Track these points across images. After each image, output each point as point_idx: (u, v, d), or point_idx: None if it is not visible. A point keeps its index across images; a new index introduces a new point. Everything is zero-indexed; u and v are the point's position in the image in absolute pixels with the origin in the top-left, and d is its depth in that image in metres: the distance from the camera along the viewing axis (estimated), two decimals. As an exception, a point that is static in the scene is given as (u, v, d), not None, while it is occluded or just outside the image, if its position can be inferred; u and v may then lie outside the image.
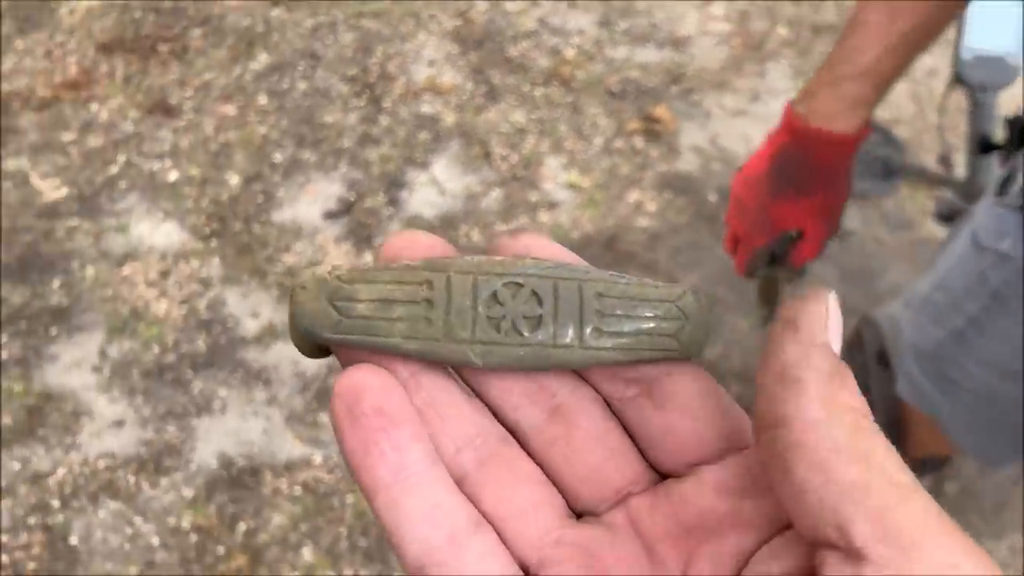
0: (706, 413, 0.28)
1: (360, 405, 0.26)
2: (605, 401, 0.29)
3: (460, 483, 0.28)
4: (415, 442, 0.26)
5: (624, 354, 0.28)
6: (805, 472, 0.23)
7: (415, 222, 1.53)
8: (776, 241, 0.86)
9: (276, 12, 1.88)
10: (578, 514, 0.29)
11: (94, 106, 1.69)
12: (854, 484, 0.22)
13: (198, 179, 1.59)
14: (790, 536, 0.25)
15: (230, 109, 1.71)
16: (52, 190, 1.56)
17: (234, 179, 1.60)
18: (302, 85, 1.75)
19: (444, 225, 1.54)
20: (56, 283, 1.44)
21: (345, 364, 0.28)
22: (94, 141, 1.64)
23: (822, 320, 0.25)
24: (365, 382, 0.26)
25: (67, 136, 1.64)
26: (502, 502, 0.28)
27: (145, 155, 1.62)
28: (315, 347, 0.28)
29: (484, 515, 0.28)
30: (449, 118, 1.72)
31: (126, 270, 1.46)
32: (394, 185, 1.60)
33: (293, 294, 0.27)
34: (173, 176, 1.60)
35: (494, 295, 0.27)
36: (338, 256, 1.48)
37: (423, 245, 0.29)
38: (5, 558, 1.18)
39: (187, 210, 1.54)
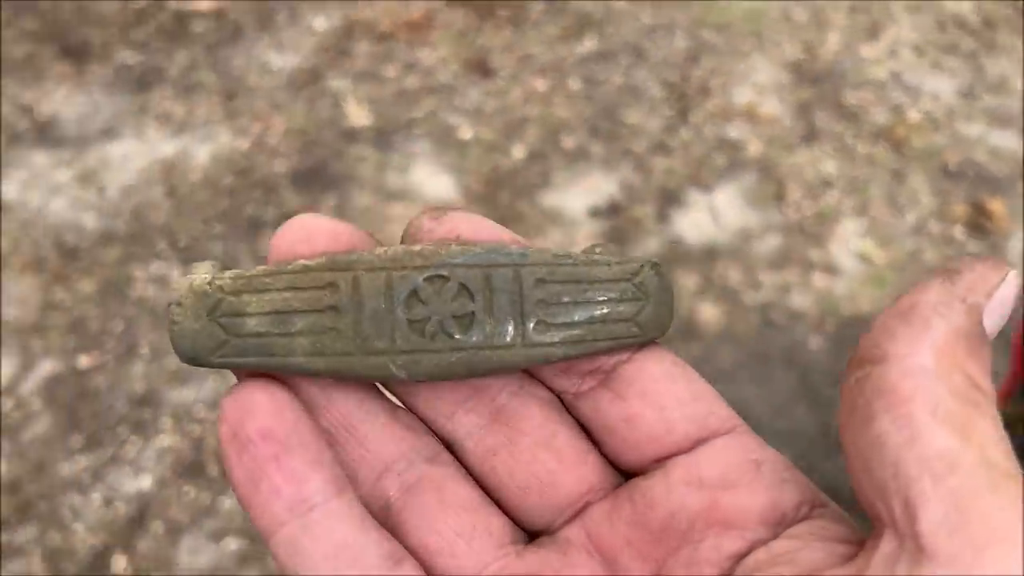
0: (673, 398, 0.24)
1: (245, 429, 0.21)
2: (558, 397, 0.25)
3: (383, 515, 0.24)
4: (314, 471, 0.22)
5: (575, 348, 0.23)
6: (889, 424, 0.18)
7: (674, 244, 1.45)
8: None
9: (620, 3, 1.85)
10: (530, 533, 0.24)
11: (424, 51, 1.76)
12: (941, 454, 0.17)
13: (488, 143, 1.61)
14: (800, 534, 0.21)
15: (541, 85, 1.71)
16: (359, 116, 1.65)
17: (520, 152, 1.60)
18: (618, 79, 1.72)
19: (704, 257, 1.44)
20: (331, 201, 1.51)
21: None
22: (411, 83, 1.71)
23: (989, 285, 0.20)
24: (252, 401, 0.21)
25: (389, 72, 1.73)
26: (430, 533, 0.23)
27: (450, 108, 1.67)
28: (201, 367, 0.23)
29: (410, 550, 0.23)
30: (753, 149, 1.60)
31: (393, 208, 1.51)
32: (669, 201, 1.52)
33: (168, 312, 0.22)
34: (467, 134, 1.63)
35: (414, 293, 0.22)
36: (586, 255, 1.44)
37: (324, 234, 0.24)
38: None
39: (467, 170, 1.57)
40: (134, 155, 1.58)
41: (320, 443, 0.22)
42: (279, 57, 1.75)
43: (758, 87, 1.70)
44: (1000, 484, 0.17)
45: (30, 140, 1.60)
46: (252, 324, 0.22)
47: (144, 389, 1.28)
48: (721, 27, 1.81)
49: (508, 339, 0.23)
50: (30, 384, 1.28)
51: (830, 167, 1.57)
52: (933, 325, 0.19)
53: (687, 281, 1.41)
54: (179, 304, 0.22)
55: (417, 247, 0.23)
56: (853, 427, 0.20)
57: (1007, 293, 0.20)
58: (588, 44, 1.78)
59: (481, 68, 1.73)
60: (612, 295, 0.24)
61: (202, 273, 0.22)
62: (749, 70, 1.74)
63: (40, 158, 1.57)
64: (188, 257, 1.43)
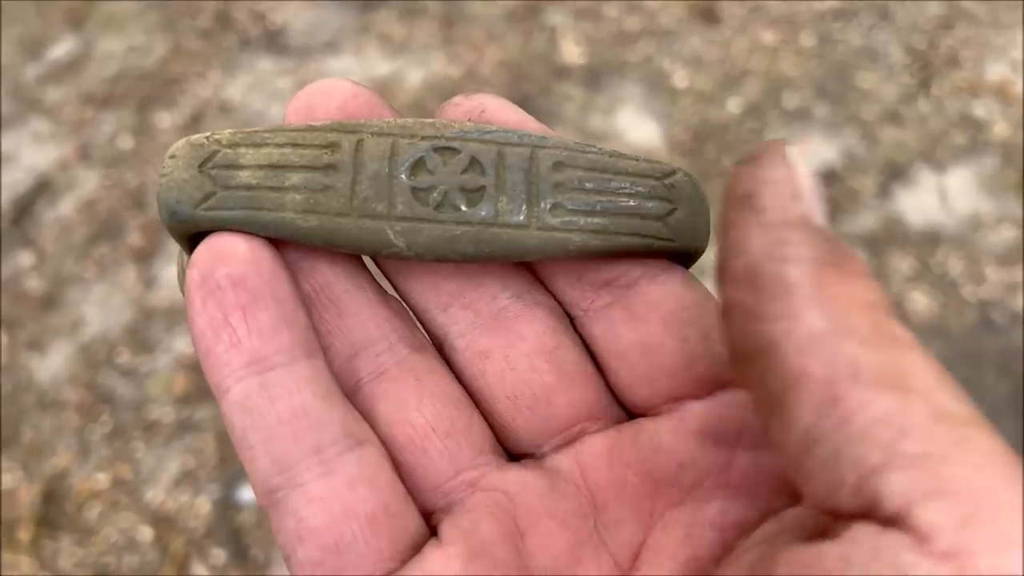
0: (700, 330, 0.20)
1: (215, 273, 0.19)
2: (565, 312, 0.22)
3: (349, 395, 0.21)
4: (283, 328, 0.19)
5: (596, 238, 0.20)
6: (810, 415, 0.14)
7: (894, 220, 1.32)
8: None
9: (871, -42, 1.70)
10: (511, 454, 0.21)
11: (649, -7, 1.70)
12: (884, 420, 0.13)
13: (701, 94, 1.53)
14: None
15: (770, 37, 1.60)
16: (572, 54, 1.61)
17: (735, 107, 1.51)
18: (856, 40, 1.58)
19: (924, 241, 1.31)
20: (531, 136, 1.49)
21: None
22: (631, 23, 1.65)
23: (789, 184, 0.16)
24: (229, 246, 0.19)
25: (610, 11, 1.67)
26: (401, 423, 0.20)
27: (668, 53, 1.60)
28: (186, 232, 0.20)
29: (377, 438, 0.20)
30: (1001, 131, 1.43)
31: (593, 150, 1.47)
32: (895, 176, 1.39)
33: (162, 166, 0.20)
34: (682, 83, 1.55)
35: (421, 161, 0.20)
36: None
37: (343, 96, 0.22)
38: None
39: (675, 119, 1.50)
40: (351, 71, 1.62)
41: (296, 303, 0.20)
42: (503, -13, 1.73)
43: (1016, 64, 1.52)
44: (964, 436, 0.13)
45: (260, 46, 1.67)
46: (244, 176, 0.20)
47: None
48: (984, -7, 1.63)
49: (521, 218, 0.20)
50: (227, 275, 1.35)
51: (1090, 160, 1.38)
52: (789, 278, 0.15)
53: (901, 264, 1.29)
54: (173, 156, 0.20)
55: (429, 120, 0.21)
56: (774, 429, 0.15)
57: (804, 172, 0.17)
58: (829, 0, 1.65)
59: (708, 15, 1.65)
60: (640, 189, 0.20)
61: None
62: (1008, 44, 1.55)
63: (266, 64, 1.64)
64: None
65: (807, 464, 0.14)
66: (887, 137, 1.44)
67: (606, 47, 1.62)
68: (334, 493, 0.19)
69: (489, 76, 1.59)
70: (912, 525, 0.12)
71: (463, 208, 0.20)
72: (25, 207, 1.45)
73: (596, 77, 1.57)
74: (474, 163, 0.21)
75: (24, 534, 1.14)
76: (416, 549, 0.19)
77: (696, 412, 0.20)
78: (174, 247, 1.39)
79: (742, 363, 0.15)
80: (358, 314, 0.21)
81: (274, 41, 1.68)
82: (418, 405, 0.20)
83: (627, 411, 0.21)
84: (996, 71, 1.52)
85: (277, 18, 1.72)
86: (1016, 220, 1.33)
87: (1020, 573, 0.12)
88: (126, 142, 1.53)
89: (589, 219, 0.20)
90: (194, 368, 1.25)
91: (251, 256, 0.19)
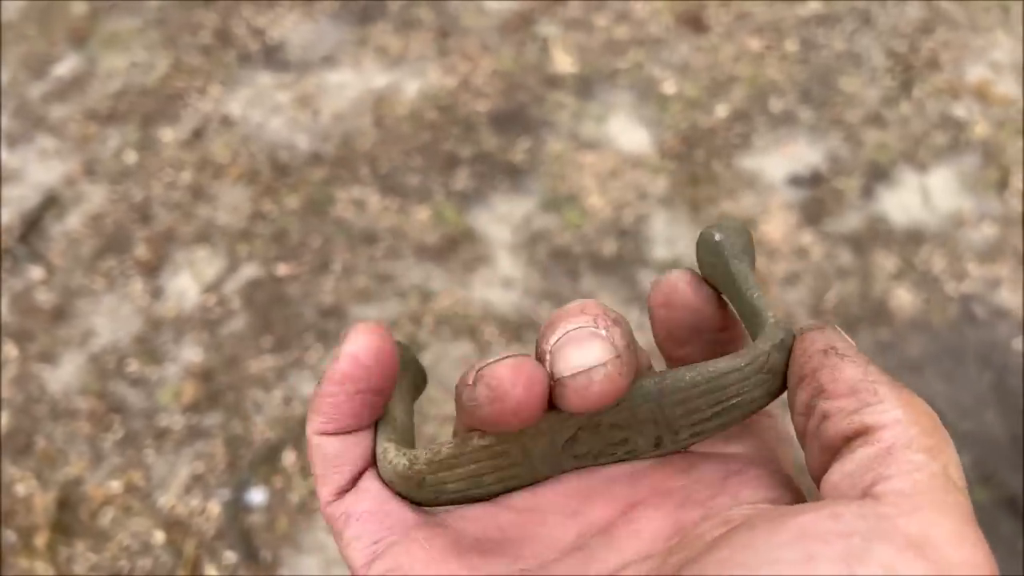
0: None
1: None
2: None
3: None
4: None
5: (715, 429, 0.26)
6: (864, 452, 0.21)
7: (878, 220, 1.36)
8: None
9: (853, -36, 1.74)
10: None
11: (637, 2, 1.74)
12: (910, 460, 0.20)
13: (690, 100, 1.57)
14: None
15: (755, 44, 1.64)
16: (564, 63, 1.65)
17: (722, 112, 1.55)
18: (839, 45, 1.62)
19: (907, 239, 1.35)
20: (525, 144, 1.53)
21: None
22: (620, 33, 1.69)
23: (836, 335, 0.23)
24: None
25: (600, 20, 1.71)
26: None
27: (658, 61, 1.64)
28: None
29: None
30: (980, 130, 1.47)
31: (584, 157, 1.51)
32: (878, 176, 1.43)
33: (383, 474, 0.27)
34: (671, 89, 1.59)
35: (573, 437, 0.25)
36: (777, 225, 1.38)
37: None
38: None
39: (665, 125, 1.54)
40: (349, 84, 1.66)
41: None
42: (495, -1, 1.77)
43: (995, 65, 1.56)
44: (951, 492, 0.19)
45: (259, 61, 1.71)
46: (453, 486, 0.26)
47: (332, 302, 1.36)
48: (963, -3, 1.67)
49: (655, 449, 0.26)
50: (233, 284, 1.39)
51: (1068, 158, 1.42)
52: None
53: (886, 262, 1.33)
54: (391, 482, 0.26)
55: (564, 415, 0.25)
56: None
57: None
58: (812, 5, 1.69)
59: (695, 23, 1.69)
60: (745, 386, 0.25)
61: (390, 451, 0.26)
62: (988, 46, 1.59)
63: (265, 79, 1.68)
64: (386, 186, 1.49)
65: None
66: (870, 139, 1.48)
67: (597, 56, 1.66)
68: None
69: (483, 86, 1.63)
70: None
71: (617, 453, 0.26)
72: (33, 222, 1.49)
73: (588, 85, 1.61)
74: (614, 427, 0.26)
75: (40, 540, 1.17)
76: None
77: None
78: (180, 259, 1.43)
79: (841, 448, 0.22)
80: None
81: (273, 56, 1.72)
82: None
83: None
84: (976, 72, 1.56)
85: (275, 33, 1.76)
86: (996, 217, 1.37)
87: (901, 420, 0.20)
88: (131, 157, 1.57)
89: (708, 424, 0.26)
90: (202, 376, 1.29)
91: None
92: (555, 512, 0.25)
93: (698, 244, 0.27)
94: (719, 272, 0.26)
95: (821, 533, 0.18)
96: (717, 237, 0.26)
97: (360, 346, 0.25)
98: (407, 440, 0.27)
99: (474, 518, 0.25)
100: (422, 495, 0.26)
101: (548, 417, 0.25)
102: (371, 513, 0.25)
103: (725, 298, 0.26)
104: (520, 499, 0.25)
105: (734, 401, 0.25)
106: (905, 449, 0.20)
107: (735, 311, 0.26)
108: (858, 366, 0.22)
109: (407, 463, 0.26)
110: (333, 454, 0.25)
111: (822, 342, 0.23)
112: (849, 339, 0.23)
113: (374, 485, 0.25)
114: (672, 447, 0.26)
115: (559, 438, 0.25)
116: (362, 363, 0.25)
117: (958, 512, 0.19)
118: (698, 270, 0.27)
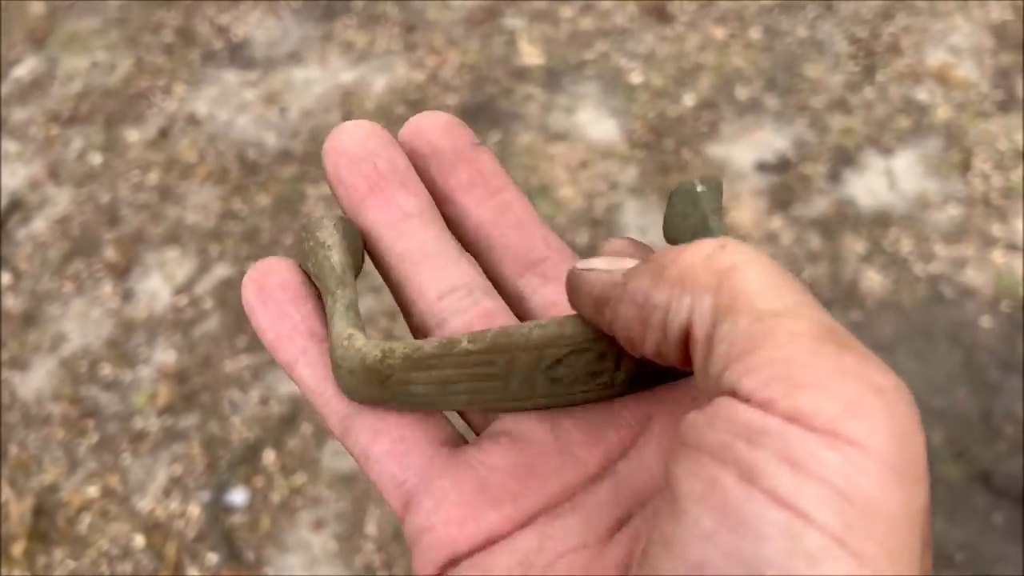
0: None
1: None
2: None
3: (435, 332, 0.27)
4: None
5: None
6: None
7: (846, 204, 1.38)
8: None
9: (814, -48, 1.76)
10: None
11: (602, -7, 1.74)
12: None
13: (657, 89, 1.58)
14: None
15: (720, 32, 1.66)
16: (531, 56, 1.65)
17: (689, 101, 1.56)
18: (802, 32, 1.64)
19: (875, 222, 1.37)
20: (495, 137, 1.53)
21: None
22: (585, 24, 1.70)
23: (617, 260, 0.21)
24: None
25: (566, 12, 1.72)
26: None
27: (623, 51, 1.65)
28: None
29: None
30: (942, 113, 1.50)
31: (554, 149, 1.51)
32: (844, 161, 1.45)
33: (336, 372, 0.24)
34: (637, 79, 1.60)
35: (558, 361, 0.24)
36: (747, 211, 1.39)
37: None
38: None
39: (633, 115, 1.55)
40: (316, 80, 1.65)
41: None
42: (460, -8, 1.77)
43: (954, 49, 1.59)
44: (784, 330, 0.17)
45: (224, 59, 1.70)
46: (418, 389, 0.24)
47: (305, 300, 1.35)
48: (921, -18, 1.69)
49: (633, 384, 0.25)
50: (205, 285, 1.38)
51: (1027, 138, 1.45)
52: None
53: (855, 246, 1.35)
54: (350, 372, 0.24)
55: (568, 329, 0.24)
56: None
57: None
58: (774, -6, 1.70)
59: (659, 12, 1.70)
60: None
61: (358, 338, 0.24)
62: (948, 30, 1.62)
63: (231, 77, 1.66)
64: (356, 180, 1.49)
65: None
66: (836, 124, 1.50)
67: (563, 47, 1.66)
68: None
69: (451, 80, 1.63)
70: (743, 393, 0.17)
71: (587, 383, 0.25)
72: (-3, 227, 1.47)
73: (555, 77, 1.62)
74: (603, 356, 0.24)
75: (17, 549, 1.16)
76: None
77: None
78: (150, 260, 1.41)
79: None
80: (446, 266, 0.26)
81: (237, 53, 1.70)
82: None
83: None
84: (936, 57, 1.58)
85: (239, 31, 1.74)
86: (960, 199, 1.39)
87: (808, 408, 0.16)
88: (96, 159, 1.55)
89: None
90: (177, 378, 1.28)
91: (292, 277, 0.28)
92: (572, 443, 0.24)
93: (675, 194, 0.26)
94: (691, 223, 0.25)
95: None
96: (699, 188, 0.25)
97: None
98: (360, 327, 0.25)
99: (492, 451, 0.24)
100: (379, 394, 0.24)
101: (551, 327, 0.24)
102: (391, 451, 0.24)
103: None
104: (526, 427, 0.25)
105: None
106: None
107: None
108: None
109: (379, 355, 0.24)
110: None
111: None
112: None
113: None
114: (646, 385, 0.25)
115: (549, 356, 0.24)
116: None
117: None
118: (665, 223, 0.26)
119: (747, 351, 0.17)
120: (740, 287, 0.18)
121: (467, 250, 0.27)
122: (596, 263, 0.22)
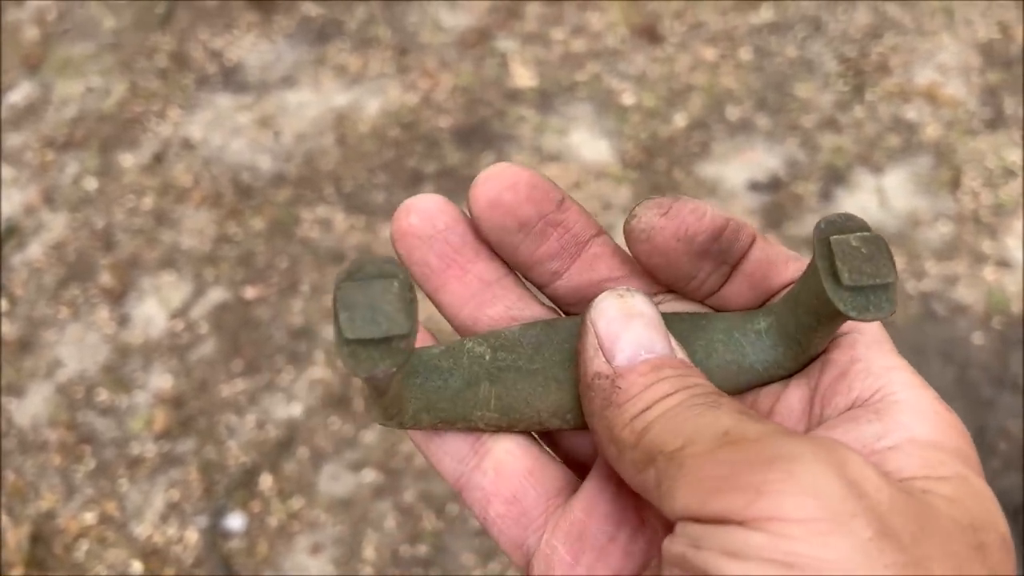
0: None
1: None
2: None
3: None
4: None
5: None
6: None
7: (837, 225, 1.39)
8: None
9: (802, -27, 1.78)
10: None
11: (593, 15, 1.76)
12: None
13: (649, 110, 1.59)
14: None
15: (710, 54, 1.67)
16: (523, 78, 1.67)
17: (681, 121, 1.57)
18: (791, 52, 1.66)
19: (867, 239, 1.38)
20: (489, 158, 1.54)
21: None
22: (577, 46, 1.71)
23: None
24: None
25: (557, 34, 1.73)
26: None
27: (614, 73, 1.66)
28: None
29: None
30: (931, 132, 1.51)
31: (548, 170, 1.52)
32: (835, 180, 1.46)
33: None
34: (629, 100, 1.62)
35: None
36: (741, 228, 1.40)
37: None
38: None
39: (625, 135, 1.56)
40: (309, 104, 1.66)
41: None
42: (452, 16, 1.78)
43: (942, 68, 1.61)
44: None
45: (217, 83, 1.70)
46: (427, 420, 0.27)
47: (302, 323, 1.35)
48: (909, 3, 1.71)
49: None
50: (200, 309, 1.38)
51: (1015, 156, 1.47)
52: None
53: (845, 264, 1.35)
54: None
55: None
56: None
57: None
58: (764, 14, 1.72)
59: (650, 34, 1.71)
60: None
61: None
62: (935, 49, 1.64)
63: (225, 101, 1.67)
64: (352, 204, 1.50)
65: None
66: (826, 143, 1.51)
67: (555, 69, 1.68)
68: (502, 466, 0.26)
69: (444, 102, 1.64)
70: (688, 515, 0.20)
71: None
72: (-8, 253, 1.47)
73: (548, 99, 1.63)
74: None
75: (14, 576, 1.15)
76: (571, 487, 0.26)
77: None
78: (146, 285, 1.42)
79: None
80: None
81: (231, 78, 1.71)
82: None
83: None
84: (925, 75, 1.60)
85: (233, 55, 1.75)
86: (951, 216, 1.41)
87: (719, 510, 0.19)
88: (90, 184, 1.55)
89: None
90: (173, 403, 1.28)
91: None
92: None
93: (846, 217, 0.24)
94: (826, 250, 0.24)
95: None
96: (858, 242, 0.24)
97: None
98: None
99: (587, 498, 0.26)
100: (394, 419, 0.27)
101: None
102: (505, 515, 0.26)
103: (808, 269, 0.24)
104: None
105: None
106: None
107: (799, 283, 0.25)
108: None
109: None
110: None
111: None
112: None
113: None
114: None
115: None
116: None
117: None
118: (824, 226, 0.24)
119: (672, 487, 0.20)
120: (656, 443, 0.21)
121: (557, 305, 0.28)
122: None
